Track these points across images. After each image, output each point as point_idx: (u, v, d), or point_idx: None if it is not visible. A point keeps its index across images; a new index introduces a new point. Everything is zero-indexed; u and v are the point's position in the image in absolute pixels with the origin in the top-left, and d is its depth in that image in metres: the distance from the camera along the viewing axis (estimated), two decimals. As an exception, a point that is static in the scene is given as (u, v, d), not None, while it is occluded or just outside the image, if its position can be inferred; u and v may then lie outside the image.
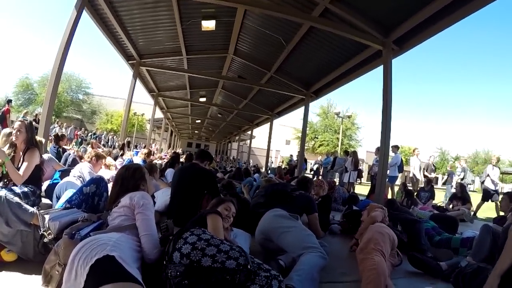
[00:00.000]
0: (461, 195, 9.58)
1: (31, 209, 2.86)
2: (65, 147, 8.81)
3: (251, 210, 4.85)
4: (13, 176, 3.76)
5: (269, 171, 17.63)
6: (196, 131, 45.96)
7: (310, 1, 8.19)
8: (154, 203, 4.49)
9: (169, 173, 7.74)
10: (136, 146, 30.04)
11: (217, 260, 2.18)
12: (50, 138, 8.56)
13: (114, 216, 2.57)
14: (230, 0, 8.24)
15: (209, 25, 10.56)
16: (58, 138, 9.16)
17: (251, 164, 30.73)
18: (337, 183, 13.17)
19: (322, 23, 8.30)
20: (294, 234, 3.46)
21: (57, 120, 28.07)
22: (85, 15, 8.45)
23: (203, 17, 10.26)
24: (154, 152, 18.59)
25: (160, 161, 12.59)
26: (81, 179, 4.89)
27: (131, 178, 2.92)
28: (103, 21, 10.13)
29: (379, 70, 8.38)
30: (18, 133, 3.99)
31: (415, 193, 10.34)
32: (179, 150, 37.50)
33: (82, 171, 5.04)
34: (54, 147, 8.71)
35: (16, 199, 2.89)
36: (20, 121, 4.27)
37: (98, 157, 5.57)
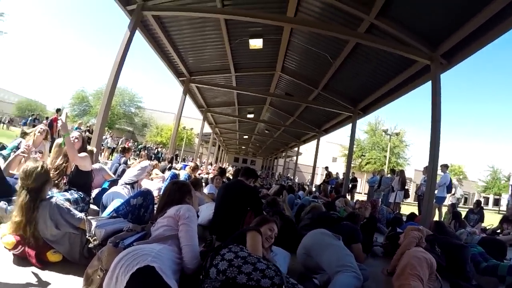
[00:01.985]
0: (512, 218, 9.11)
1: (79, 214, 3.01)
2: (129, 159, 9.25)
3: (298, 232, 4.84)
4: (69, 151, 3.99)
5: (314, 189, 17.44)
6: (243, 147, 46.40)
7: (355, 17, 8.16)
8: (198, 216, 4.61)
9: (208, 188, 7.84)
10: (184, 160, 30.66)
11: (253, 278, 2.21)
12: (102, 148, 9.00)
13: (158, 226, 2.65)
14: (277, 19, 8.41)
15: (256, 43, 10.76)
16: (125, 150, 9.61)
17: (296, 181, 30.56)
18: (381, 203, 12.91)
19: (368, 39, 8.25)
20: (333, 251, 3.45)
21: (109, 131, 29.20)
22: (138, 34, 8.85)
23: (250, 35, 10.48)
24: (201, 166, 18.95)
25: (206, 176, 12.80)
26: (128, 186, 5.09)
27: (178, 191, 3.03)
28: (155, 40, 10.65)
29: (428, 85, 8.18)
30: (76, 140, 4.33)
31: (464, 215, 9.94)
32: (225, 165, 37.97)
33: (130, 174, 5.28)
34: (120, 158, 9.13)
35: (66, 204, 3.06)
36: (78, 131, 4.63)
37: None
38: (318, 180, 39.97)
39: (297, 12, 9.14)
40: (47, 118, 16.76)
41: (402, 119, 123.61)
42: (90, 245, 2.83)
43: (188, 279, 2.46)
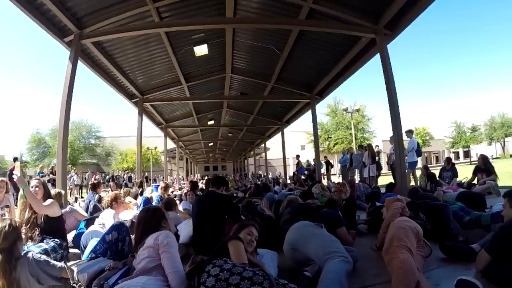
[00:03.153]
0: (484, 167, 9.39)
1: (58, 264, 2.93)
2: (101, 194, 8.88)
3: (281, 228, 4.82)
4: (33, 203, 3.88)
5: (288, 181, 17.50)
6: (210, 154, 46.08)
7: (294, 5, 8.23)
8: (178, 236, 4.52)
9: (183, 204, 7.73)
10: (155, 180, 30.22)
11: (242, 287, 2.20)
12: (70, 187, 8.70)
13: (140, 259, 2.62)
14: (217, 22, 8.39)
15: (201, 50, 10.68)
16: (95, 186, 9.26)
17: (270, 176, 30.64)
18: (357, 180, 13.09)
19: (310, 25, 8.39)
20: (318, 240, 3.44)
21: (73, 168, 28.47)
22: (81, 64, 8.60)
23: (194, 43, 10.38)
24: (172, 184, 18.68)
25: (179, 192, 12.61)
26: (105, 227, 4.94)
27: (152, 218, 3.00)
28: (99, 67, 10.36)
29: (378, 58, 8.27)
30: (36, 189, 4.17)
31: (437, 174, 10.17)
32: (197, 176, 37.61)
33: (105, 219, 5.07)
34: (93, 194, 8.80)
35: (44, 256, 2.96)
36: (36, 179, 4.44)
37: (116, 199, 5.60)
38: (292, 171, 40.31)
39: (236, 11, 9.13)
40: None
41: (360, 94, 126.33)
42: None
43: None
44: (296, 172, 18.42)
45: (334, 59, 10.73)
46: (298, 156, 20.64)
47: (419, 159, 12.06)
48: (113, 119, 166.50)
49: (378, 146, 17.23)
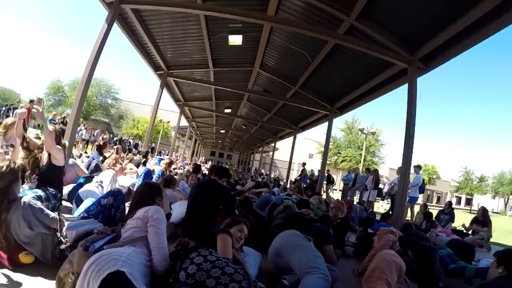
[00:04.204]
0: (482, 219, 9.40)
1: (52, 214, 2.98)
2: (106, 155, 8.96)
3: (271, 231, 4.88)
4: (48, 140, 3.96)
5: (288, 185, 17.53)
6: (219, 141, 46.22)
7: (335, 18, 8.22)
8: (170, 214, 4.61)
9: (182, 185, 7.79)
10: (160, 153, 30.37)
11: (221, 282, 2.26)
12: (77, 140, 8.80)
13: (127, 227, 2.66)
14: (257, 18, 8.39)
15: (236, 40, 10.74)
16: (101, 147, 9.36)
17: (272, 176, 30.63)
18: (355, 201, 13.11)
19: (347, 40, 8.31)
20: (303, 252, 3.47)
21: (84, 122, 28.66)
22: (116, 26, 8.70)
23: (230, 31, 10.44)
24: (176, 160, 18.79)
25: (181, 171, 12.71)
26: (102, 186, 5.03)
27: (148, 192, 3.04)
28: (133, 33, 10.48)
29: (405, 87, 8.28)
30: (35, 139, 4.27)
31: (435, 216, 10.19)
32: (202, 159, 37.72)
33: (104, 178, 5.17)
34: (98, 155, 8.89)
35: (39, 203, 3.02)
36: (51, 124, 4.51)
37: (116, 163, 5.69)
38: (294, 177, 40.24)
39: (278, 11, 9.15)
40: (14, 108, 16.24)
41: (378, 118, 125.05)
42: (62, 247, 2.81)
43: (158, 282, 2.48)
44: (298, 179, 18.44)
45: (362, 79, 10.70)
46: (304, 164, 20.64)
47: (420, 196, 12.05)
48: (134, 85, 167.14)
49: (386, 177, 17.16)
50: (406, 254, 4.51)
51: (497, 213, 45.03)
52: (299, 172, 22.87)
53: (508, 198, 54.25)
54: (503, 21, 5.78)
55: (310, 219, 5.54)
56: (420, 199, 13.28)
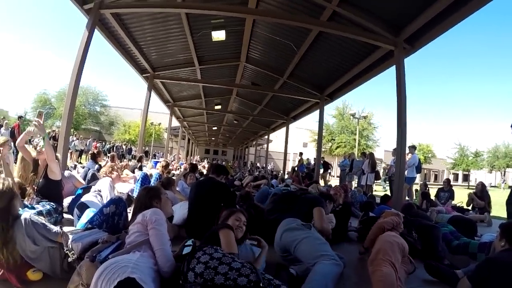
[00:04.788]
0: (481, 194, 9.45)
1: (55, 228, 2.94)
2: (101, 163, 8.89)
3: (265, 218, 4.92)
4: (49, 153, 3.98)
5: (286, 177, 17.54)
6: (213, 138, 46.20)
7: (317, 5, 8.19)
8: (172, 216, 4.57)
9: (181, 185, 7.76)
10: (155, 156, 30.29)
11: (229, 277, 2.26)
12: (70, 152, 8.76)
13: (130, 233, 2.68)
14: (239, 11, 8.35)
15: (219, 35, 10.70)
16: (95, 156, 9.27)
17: (269, 168, 30.67)
18: (354, 186, 13.14)
19: (331, 27, 8.30)
20: (307, 244, 3.43)
21: (75, 132, 28.51)
22: (97, 33, 8.61)
23: (213, 28, 10.39)
24: (172, 161, 18.75)
25: (177, 172, 12.67)
26: (100, 195, 4.98)
27: (145, 197, 3.06)
28: (114, 38, 10.39)
29: (393, 69, 8.29)
30: (43, 149, 4.18)
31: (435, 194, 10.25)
32: (197, 157, 37.69)
33: (102, 187, 5.13)
34: (93, 164, 8.80)
35: (41, 219, 2.97)
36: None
37: (114, 171, 5.64)
38: (291, 167, 40.33)
39: (259, 3, 9.14)
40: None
41: (369, 101, 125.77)
42: (69, 260, 2.79)
43: (168, 285, 2.48)
44: (296, 168, 18.47)
45: (349, 64, 10.73)
46: (301, 154, 20.67)
47: (418, 176, 12.09)
48: (121, 90, 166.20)
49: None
50: (410, 235, 4.51)
51: (495, 186, 45.46)
52: (296, 162, 22.91)
53: (504, 171, 54.90)
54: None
55: (300, 193, 5.51)
56: (418, 178, 13.29)
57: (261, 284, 2.26)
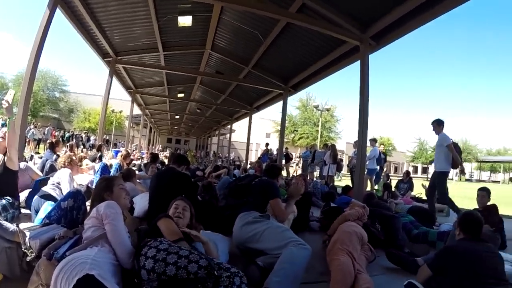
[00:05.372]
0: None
1: (11, 227, 2.80)
2: (59, 153, 8.51)
3: (219, 214, 4.85)
4: (11, 137, 3.79)
5: (248, 165, 17.57)
6: (175, 127, 45.61)
7: (287, -4, 8.15)
8: (134, 208, 4.46)
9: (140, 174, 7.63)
10: (115, 145, 29.62)
11: (180, 266, 2.26)
12: (27, 140, 8.37)
13: (86, 228, 2.59)
14: (207, -3, 8.21)
15: (185, 21, 10.43)
16: (53, 145, 8.86)
17: (231, 158, 30.66)
18: (315, 177, 13.34)
19: (299, 19, 8.28)
20: (269, 235, 3.42)
21: (33, 120, 27.41)
22: (58, 12, 8.25)
23: (179, 13, 10.13)
24: (133, 151, 18.38)
25: (139, 161, 12.45)
26: (59, 187, 4.80)
27: (97, 189, 2.98)
28: (77, 19, 9.87)
29: (358, 62, 8.40)
30: (1, 140, 4.02)
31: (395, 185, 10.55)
32: (158, 147, 37.18)
33: (61, 178, 4.93)
34: (51, 154, 8.40)
35: None
36: None
37: (71, 162, 5.44)
38: (253, 157, 40.44)
39: (228, -11, 8.96)
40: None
41: (332, 93, 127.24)
42: (28, 258, 2.68)
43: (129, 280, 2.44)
44: (260, 158, 18.51)
45: (315, 57, 10.82)
46: (267, 144, 20.72)
47: (378, 168, 12.42)
48: (82, 76, 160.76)
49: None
50: (374, 226, 4.65)
51: (450, 179, 47.34)
52: (259, 153, 22.99)
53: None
54: (450, 3, 6.13)
55: (250, 179, 5.51)
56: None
57: (209, 269, 2.27)
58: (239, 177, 7.05)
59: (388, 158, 54.14)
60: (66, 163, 5.32)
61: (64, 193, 4.50)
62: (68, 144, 9.89)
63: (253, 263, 3.24)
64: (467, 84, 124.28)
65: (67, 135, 31.10)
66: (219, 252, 3.24)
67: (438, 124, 7.55)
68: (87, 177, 6.74)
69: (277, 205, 3.93)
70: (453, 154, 7.08)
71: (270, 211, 3.93)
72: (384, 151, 13.05)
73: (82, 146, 26.18)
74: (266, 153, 19.95)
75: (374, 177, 12.01)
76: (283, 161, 17.37)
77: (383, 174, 12.95)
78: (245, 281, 2.36)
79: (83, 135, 32.01)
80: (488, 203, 5.68)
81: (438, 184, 7.36)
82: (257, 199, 4.00)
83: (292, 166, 25.21)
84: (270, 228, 3.52)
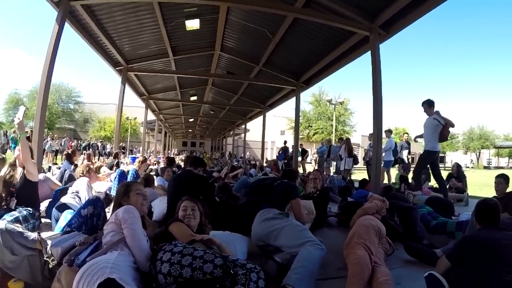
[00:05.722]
0: (457, 175, 9.67)
1: (32, 235, 2.86)
2: (77, 163, 8.62)
3: (239, 212, 4.88)
4: (24, 151, 3.85)
5: (265, 164, 17.57)
6: (190, 130, 45.80)
7: (293, -9, 8.11)
8: (152, 212, 4.50)
9: (158, 180, 7.67)
10: (131, 151, 29.88)
11: (195, 267, 2.27)
12: (45, 152, 8.49)
13: (105, 233, 2.64)
14: (212, -1, 8.23)
15: (193, 24, 10.46)
16: (70, 156, 9.00)
17: (246, 157, 30.67)
18: (332, 171, 13.27)
19: (306, 14, 8.26)
20: (287, 232, 3.46)
21: (50, 133, 27.79)
22: (68, 26, 8.37)
23: (186, 16, 10.15)
24: (149, 157, 18.53)
25: (156, 166, 12.54)
26: (78, 196, 4.85)
27: (117, 195, 3.04)
28: (86, 31, 10.03)
29: (369, 54, 8.28)
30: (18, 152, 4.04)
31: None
32: (174, 151, 37.40)
33: (79, 187, 4.98)
34: (68, 164, 8.51)
35: (17, 227, 2.89)
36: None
37: (90, 171, 5.51)
38: (269, 155, 40.39)
39: (233, -10, 8.97)
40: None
41: (345, 87, 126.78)
42: (50, 266, 2.73)
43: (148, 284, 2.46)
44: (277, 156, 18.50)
45: (325, 51, 10.75)
46: (285, 142, 20.64)
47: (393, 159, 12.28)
48: (94, 86, 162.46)
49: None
50: (392, 219, 4.58)
51: (469, 167, 46.78)
52: (273, 151, 22.90)
53: (479, 153, 57.02)
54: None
55: (272, 180, 5.52)
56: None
57: (225, 267, 2.29)
58: (262, 178, 7.06)
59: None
60: (84, 172, 5.39)
61: (83, 201, 4.55)
62: (86, 153, 10.00)
63: (270, 258, 3.29)
64: (483, 69, 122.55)
65: (83, 144, 31.40)
66: (238, 252, 3.26)
67: (429, 105, 7.79)
68: (105, 184, 6.83)
69: (297, 205, 4.09)
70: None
71: (290, 212, 4.02)
72: (406, 139, 12.82)
73: (98, 155, 26.46)
74: (283, 150, 19.91)
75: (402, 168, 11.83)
76: (299, 158, 17.32)
77: (397, 166, 12.74)
78: (262, 276, 2.38)
79: (99, 144, 32.34)
80: (508, 190, 5.60)
81: (421, 160, 7.98)
82: (278, 198, 4.08)
83: (310, 163, 25.14)
84: (289, 225, 3.57)
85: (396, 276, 3.16)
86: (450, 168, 10.86)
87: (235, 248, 3.29)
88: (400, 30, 7.88)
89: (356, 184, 8.45)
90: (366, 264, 2.98)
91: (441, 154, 59.29)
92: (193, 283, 2.27)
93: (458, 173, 9.84)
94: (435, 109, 7.77)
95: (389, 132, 11.81)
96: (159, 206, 4.83)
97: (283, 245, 3.43)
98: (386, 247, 3.67)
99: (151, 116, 24.96)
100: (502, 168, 47.20)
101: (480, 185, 10.17)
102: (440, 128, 7.48)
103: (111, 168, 9.14)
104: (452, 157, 51.18)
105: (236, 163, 19.44)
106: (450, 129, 7.65)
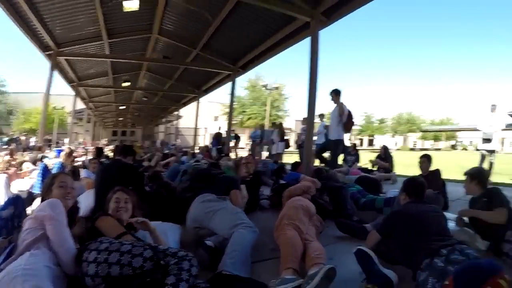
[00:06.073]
0: (384, 156, 10.39)
1: None
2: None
3: (178, 197, 4.90)
4: None
5: (197, 150, 17.53)
6: (121, 118, 43.96)
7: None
8: (79, 208, 4.30)
9: (84, 173, 7.09)
10: (57, 143, 28.50)
11: (124, 263, 2.11)
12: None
13: (22, 233, 2.38)
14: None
15: (132, 5, 9.78)
16: None
17: (177, 144, 30.28)
18: (264, 157, 13.60)
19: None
20: (222, 214, 3.56)
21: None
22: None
23: (125, -4, 9.65)
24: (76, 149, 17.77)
25: (83, 158, 12.08)
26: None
27: (41, 191, 2.83)
28: (16, 11, 9.34)
29: (307, 39, 8.44)
30: None
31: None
32: (103, 141, 36.05)
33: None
34: None
35: None
36: None
37: (10, 166, 5.23)
38: (201, 142, 40.17)
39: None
40: None
41: (281, 71, 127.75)
42: None
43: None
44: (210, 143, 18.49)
45: (265, 35, 10.77)
46: (219, 128, 20.57)
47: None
48: (22, 74, 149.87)
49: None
50: (322, 198, 4.92)
51: (398, 149, 49.83)
52: (205, 137, 22.78)
53: (406, 136, 63.52)
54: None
55: (218, 172, 5.68)
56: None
57: (156, 259, 2.17)
58: (209, 167, 7.14)
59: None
60: (4, 169, 5.11)
61: (1, 202, 4.25)
62: (8, 148, 9.40)
63: (200, 245, 3.28)
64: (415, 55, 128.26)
65: (5, 139, 29.36)
66: (170, 241, 3.23)
67: (336, 94, 8.29)
68: (28, 181, 6.46)
69: (237, 195, 4.22)
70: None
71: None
72: None
73: (22, 150, 25.05)
74: (217, 137, 19.95)
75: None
76: (232, 143, 17.48)
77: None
78: (195, 263, 2.24)
79: (22, 138, 30.39)
80: (432, 169, 6.18)
81: (332, 151, 8.43)
82: (220, 188, 4.19)
83: (244, 148, 25.34)
84: (225, 208, 3.69)
85: (329, 251, 3.28)
86: (379, 150, 11.56)
87: (166, 237, 3.22)
88: (342, 17, 8.03)
89: (288, 167, 8.69)
90: (297, 242, 3.10)
91: (370, 138, 63.59)
92: (122, 280, 2.11)
93: (385, 154, 10.54)
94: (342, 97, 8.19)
95: (322, 116, 12.21)
96: (86, 201, 4.28)
97: (217, 227, 3.51)
98: (318, 225, 3.86)
99: (80, 105, 23.83)
100: (426, 149, 51.28)
101: (407, 165, 10.89)
102: (343, 119, 7.95)
103: (34, 163, 8.66)
104: (380, 141, 54.72)
105: (167, 150, 19.18)
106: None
